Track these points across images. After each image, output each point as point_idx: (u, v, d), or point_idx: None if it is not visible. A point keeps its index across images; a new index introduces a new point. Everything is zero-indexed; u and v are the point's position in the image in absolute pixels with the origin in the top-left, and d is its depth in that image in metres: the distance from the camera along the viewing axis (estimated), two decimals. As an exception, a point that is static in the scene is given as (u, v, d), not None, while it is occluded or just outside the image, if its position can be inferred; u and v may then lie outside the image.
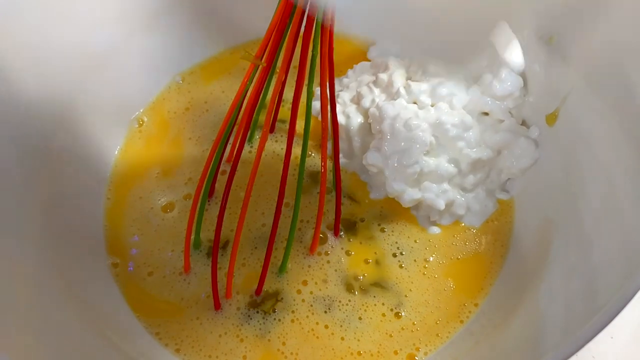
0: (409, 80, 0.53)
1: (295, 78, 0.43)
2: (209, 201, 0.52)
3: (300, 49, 0.42)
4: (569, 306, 0.39)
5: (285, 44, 0.42)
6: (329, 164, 0.52)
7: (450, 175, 0.51)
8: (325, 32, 0.43)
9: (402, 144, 0.49)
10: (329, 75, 0.45)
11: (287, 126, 0.56)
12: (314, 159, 0.55)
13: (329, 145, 0.52)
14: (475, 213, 0.52)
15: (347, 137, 0.54)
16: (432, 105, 0.51)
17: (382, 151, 0.51)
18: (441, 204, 0.50)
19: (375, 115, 0.52)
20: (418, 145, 0.49)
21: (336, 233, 0.51)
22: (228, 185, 0.43)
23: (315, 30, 0.43)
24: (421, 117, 0.50)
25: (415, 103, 0.51)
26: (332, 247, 0.51)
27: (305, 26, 0.42)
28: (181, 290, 0.49)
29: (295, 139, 0.44)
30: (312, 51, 0.43)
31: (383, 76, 0.54)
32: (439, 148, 0.51)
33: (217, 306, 0.47)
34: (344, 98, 0.55)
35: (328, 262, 0.50)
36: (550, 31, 0.50)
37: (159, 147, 0.56)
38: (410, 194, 0.51)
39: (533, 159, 0.51)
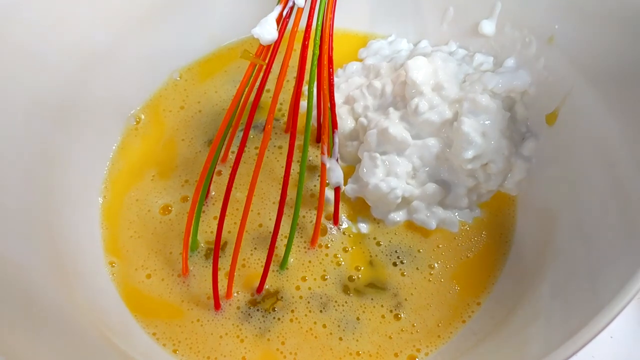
0: (398, 97, 0.52)
1: (284, 77, 0.42)
2: (205, 203, 0.52)
3: (293, 46, 0.42)
4: (570, 305, 0.39)
5: (286, 43, 0.42)
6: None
7: (441, 197, 0.51)
8: (325, 30, 0.42)
9: (380, 172, 0.49)
10: (328, 73, 0.44)
11: (280, 124, 0.57)
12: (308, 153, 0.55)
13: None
14: (470, 226, 0.52)
15: (340, 139, 0.54)
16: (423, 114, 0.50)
17: (359, 179, 0.51)
18: (432, 225, 0.50)
19: (363, 125, 0.52)
20: (398, 170, 0.49)
21: (335, 222, 0.51)
22: (229, 187, 0.43)
23: (315, 29, 0.43)
24: (408, 141, 0.49)
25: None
26: (332, 240, 0.51)
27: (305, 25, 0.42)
28: (181, 292, 0.48)
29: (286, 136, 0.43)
30: (313, 50, 0.43)
31: (377, 84, 0.54)
32: (426, 170, 0.51)
33: (217, 306, 0.47)
34: (335, 97, 0.55)
35: (327, 255, 0.50)
36: (551, 31, 0.50)
37: (154, 147, 0.56)
38: (392, 218, 0.51)
39: (526, 171, 0.51)
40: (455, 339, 0.46)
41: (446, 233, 0.51)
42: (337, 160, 0.48)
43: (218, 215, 0.46)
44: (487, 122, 0.49)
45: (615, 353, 0.47)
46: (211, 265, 0.46)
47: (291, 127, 0.46)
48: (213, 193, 0.53)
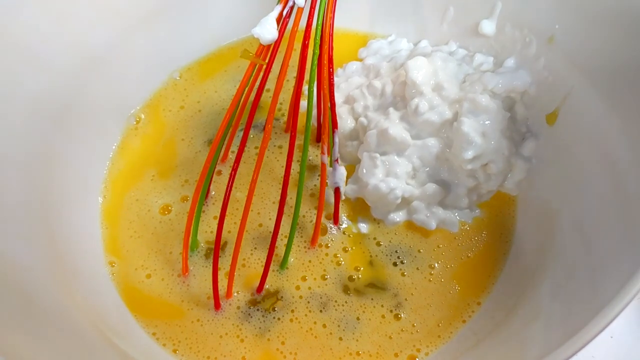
0: (398, 97, 0.52)
1: (284, 77, 0.42)
2: (205, 203, 0.52)
3: (293, 46, 0.42)
4: (570, 305, 0.39)
5: (286, 42, 0.42)
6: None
7: (441, 197, 0.51)
8: (325, 30, 0.43)
9: (379, 174, 0.49)
10: (329, 73, 0.44)
11: (280, 124, 0.57)
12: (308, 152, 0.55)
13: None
14: (470, 226, 0.52)
15: (340, 139, 0.54)
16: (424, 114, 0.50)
17: (358, 180, 0.50)
18: (432, 225, 0.50)
19: (363, 125, 0.52)
20: (398, 171, 0.49)
21: (335, 221, 0.51)
22: (229, 187, 0.43)
23: (316, 29, 0.43)
24: (408, 142, 0.49)
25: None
26: (332, 240, 0.51)
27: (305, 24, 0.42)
28: (181, 292, 0.48)
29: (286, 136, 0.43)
30: (313, 49, 0.43)
31: (377, 84, 0.54)
32: (426, 171, 0.51)
33: (218, 306, 0.47)
34: (335, 97, 0.55)
35: (327, 255, 0.50)
36: (551, 31, 0.50)
37: (154, 147, 0.56)
38: (392, 218, 0.51)
39: (526, 171, 0.51)
40: (456, 339, 0.46)
41: (446, 233, 0.51)
42: (337, 160, 0.48)
43: (218, 215, 0.46)
44: (487, 122, 0.49)
45: (615, 353, 0.47)
46: (211, 265, 0.46)
47: (291, 127, 0.46)
48: (213, 193, 0.53)
